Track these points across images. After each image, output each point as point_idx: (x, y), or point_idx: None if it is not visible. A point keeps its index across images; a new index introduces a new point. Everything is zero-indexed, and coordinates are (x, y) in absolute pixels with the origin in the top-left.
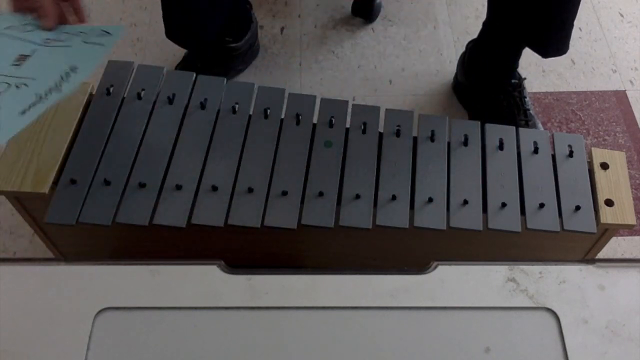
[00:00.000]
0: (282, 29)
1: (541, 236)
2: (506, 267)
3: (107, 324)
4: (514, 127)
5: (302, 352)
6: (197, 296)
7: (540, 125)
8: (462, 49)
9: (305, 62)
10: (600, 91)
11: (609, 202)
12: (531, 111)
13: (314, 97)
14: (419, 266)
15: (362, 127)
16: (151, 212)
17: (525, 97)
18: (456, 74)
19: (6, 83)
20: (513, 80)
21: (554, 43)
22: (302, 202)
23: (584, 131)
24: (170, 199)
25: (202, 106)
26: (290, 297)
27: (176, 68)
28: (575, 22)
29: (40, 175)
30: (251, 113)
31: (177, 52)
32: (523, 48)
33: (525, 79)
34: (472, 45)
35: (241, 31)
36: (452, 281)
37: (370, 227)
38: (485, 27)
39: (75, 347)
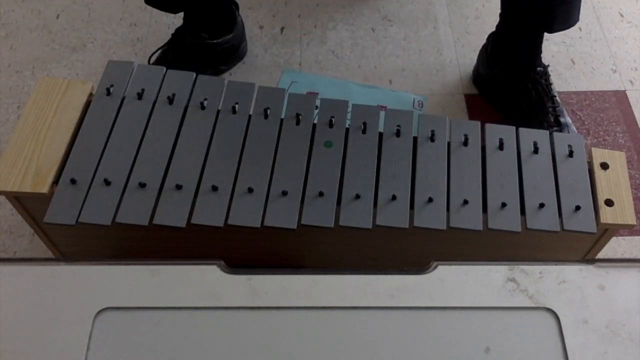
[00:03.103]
0: (282, 29)
1: (541, 236)
2: (506, 267)
3: (107, 324)
4: (514, 127)
5: (302, 352)
6: (197, 296)
7: (565, 111)
8: (462, 49)
9: (305, 62)
10: (600, 91)
11: (609, 202)
12: (557, 98)
13: (314, 97)
14: (419, 266)
15: (362, 127)
16: (151, 212)
17: (552, 84)
18: (476, 67)
19: None
20: (539, 68)
21: (558, 14)
22: (302, 202)
23: (584, 131)
24: (170, 199)
25: (202, 106)
26: (290, 297)
27: (149, 59)
28: None
29: (40, 175)
30: (251, 113)
31: None
32: (543, 32)
33: (549, 65)
34: (494, 37)
35: (221, 29)
36: (452, 281)
37: (370, 227)
38: (502, 17)
39: (75, 347)
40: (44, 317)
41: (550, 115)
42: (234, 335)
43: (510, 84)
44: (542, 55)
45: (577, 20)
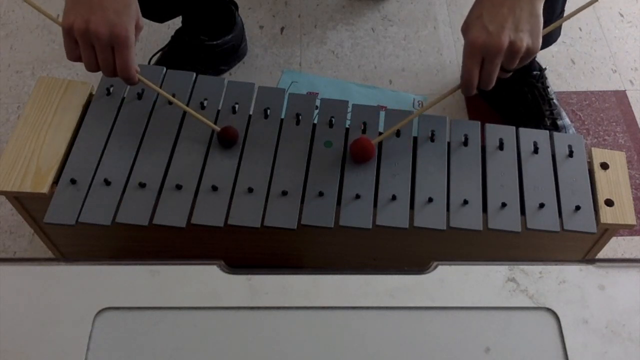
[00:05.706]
0: (282, 29)
1: (541, 236)
2: (506, 267)
3: (107, 324)
4: (514, 127)
5: (302, 352)
6: (197, 296)
7: (564, 113)
8: (462, 49)
9: (305, 62)
10: (600, 91)
11: (609, 202)
12: (555, 100)
13: (314, 97)
14: (419, 266)
15: (363, 127)
16: (151, 212)
17: (548, 87)
18: None
19: None
20: (534, 72)
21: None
22: (302, 202)
23: (584, 131)
24: (170, 199)
25: (202, 106)
26: (290, 297)
27: (149, 61)
28: (575, 22)
29: (40, 175)
30: (251, 113)
31: None
32: None
33: (546, 69)
34: None
35: (220, 30)
36: (452, 281)
37: (370, 227)
38: None
39: (75, 347)
40: (44, 317)
41: (547, 119)
42: (234, 335)
43: (507, 87)
44: (538, 57)
45: (559, 35)
